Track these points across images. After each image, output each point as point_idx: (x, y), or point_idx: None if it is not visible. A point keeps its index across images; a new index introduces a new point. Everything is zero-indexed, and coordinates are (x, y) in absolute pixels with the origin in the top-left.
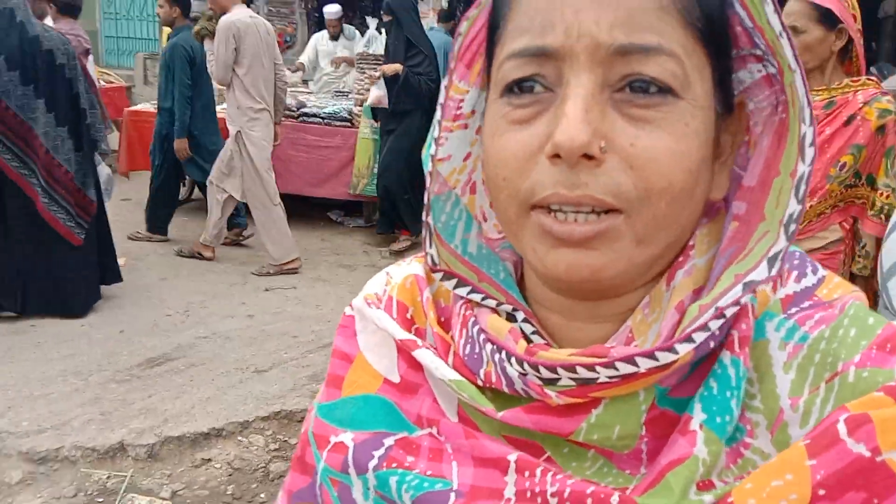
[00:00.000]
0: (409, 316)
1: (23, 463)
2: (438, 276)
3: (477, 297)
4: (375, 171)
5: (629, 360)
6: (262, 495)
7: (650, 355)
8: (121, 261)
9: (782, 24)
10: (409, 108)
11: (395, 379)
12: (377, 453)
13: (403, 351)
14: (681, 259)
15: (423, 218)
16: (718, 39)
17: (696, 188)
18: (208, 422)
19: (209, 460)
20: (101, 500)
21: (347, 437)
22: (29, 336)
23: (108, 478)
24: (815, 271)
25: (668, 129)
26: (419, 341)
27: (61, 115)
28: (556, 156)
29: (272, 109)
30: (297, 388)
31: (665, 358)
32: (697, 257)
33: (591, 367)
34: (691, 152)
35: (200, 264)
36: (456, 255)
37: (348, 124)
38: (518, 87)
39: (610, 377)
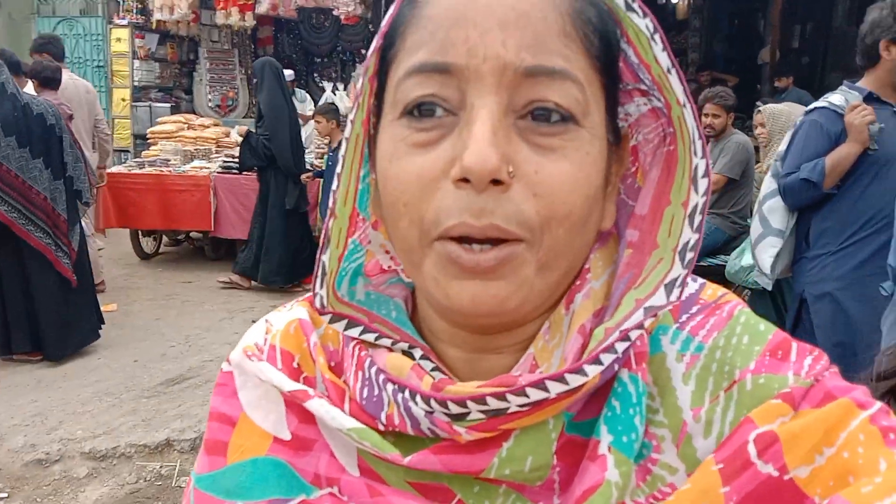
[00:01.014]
0: (295, 365)
1: (86, 461)
2: (327, 318)
3: (370, 337)
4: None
5: (539, 384)
6: None
7: (560, 378)
8: (112, 306)
9: (671, 60)
10: (254, 165)
11: (286, 436)
12: None
13: (293, 404)
14: (578, 283)
15: (318, 255)
16: (612, 71)
17: (591, 215)
18: None
19: None
20: (158, 483)
21: None
22: (53, 371)
23: (161, 467)
24: (694, 279)
25: (570, 157)
26: (310, 391)
27: (56, 171)
28: (464, 180)
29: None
30: None
31: (575, 381)
32: (594, 280)
33: (501, 397)
34: (590, 180)
35: (186, 306)
36: (343, 301)
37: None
38: (418, 111)
39: (521, 405)
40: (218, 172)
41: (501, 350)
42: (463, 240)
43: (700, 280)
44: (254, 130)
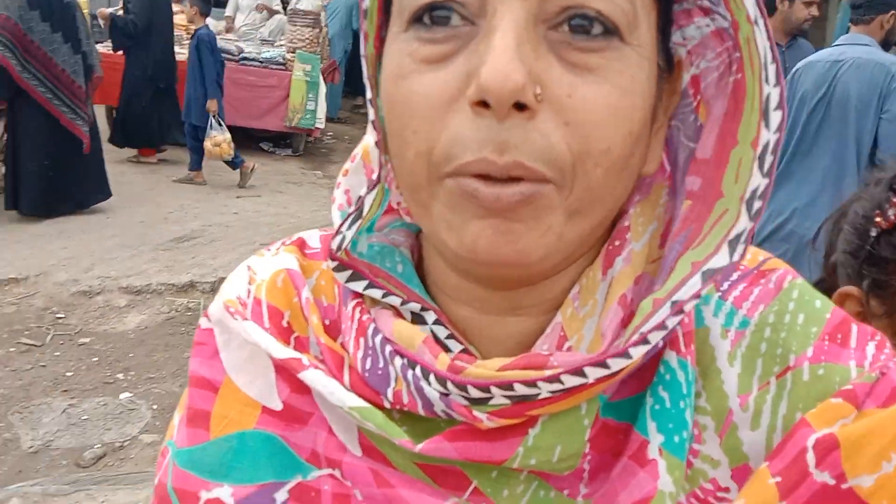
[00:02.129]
0: (285, 323)
1: (124, 294)
2: (330, 264)
3: (376, 294)
4: (309, 107)
5: (577, 371)
6: None
7: (601, 364)
8: None
9: None
10: (128, 45)
11: (276, 405)
12: None
13: (283, 369)
14: (617, 243)
15: (363, 194)
16: None
17: (633, 156)
18: None
19: None
20: (188, 314)
21: (225, 493)
22: (69, 225)
23: (188, 302)
24: None
25: (612, 81)
26: (305, 359)
27: (75, 45)
28: (482, 103)
29: None
30: None
31: (617, 365)
32: (634, 241)
33: (531, 384)
34: (635, 112)
35: (172, 184)
36: (348, 254)
37: (283, 68)
38: (430, 18)
39: (553, 392)
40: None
41: (521, 311)
42: (480, 178)
43: None
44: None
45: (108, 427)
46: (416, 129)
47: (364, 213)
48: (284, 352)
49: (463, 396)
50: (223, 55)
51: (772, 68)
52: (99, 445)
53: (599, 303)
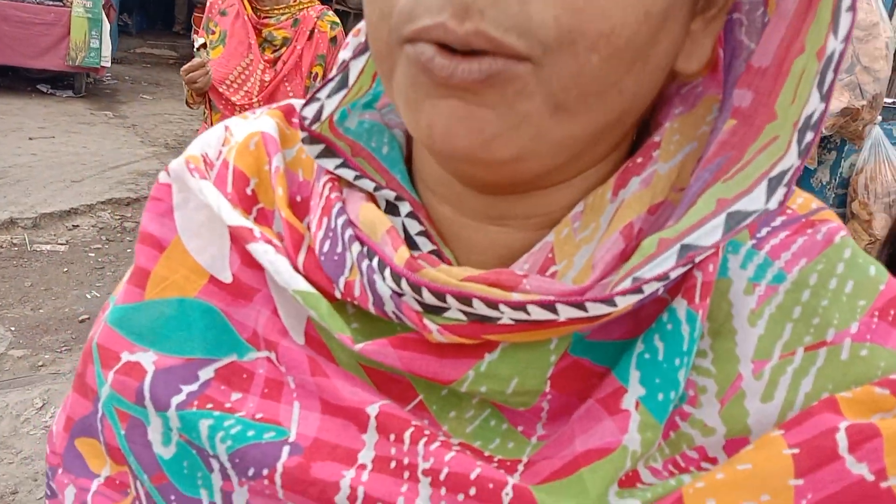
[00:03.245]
0: (249, 191)
1: None
2: (302, 135)
3: (348, 175)
4: (93, 44)
5: (547, 306)
6: (119, 245)
7: (578, 304)
8: None
9: None
10: None
11: (226, 277)
12: (187, 388)
13: (238, 240)
14: (640, 160)
15: (345, 58)
16: None
17: (655, 45)
18: (64, 205)
19: (77, 226)
20: (15, 248)
21: (147, 359)
22: None
23: (12, 238)
24: None
25: None
26: (256, 230)
27: None
28: None
29: None
30: (114, 188)
31: (597, 310)
32: (662, 160)
33: (493, 305)
34: None
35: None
36: (331, 122)
37: (60, 4)
38: None
39: (516, 320)
40: None
41: (506, 222)
42: (438, 47)
43: None
44: None
45: None
46: None
47: (351, 81)
48: (237, 218)
49: (416, 300)
50: None
51: None
52: None
53: (602, 228)
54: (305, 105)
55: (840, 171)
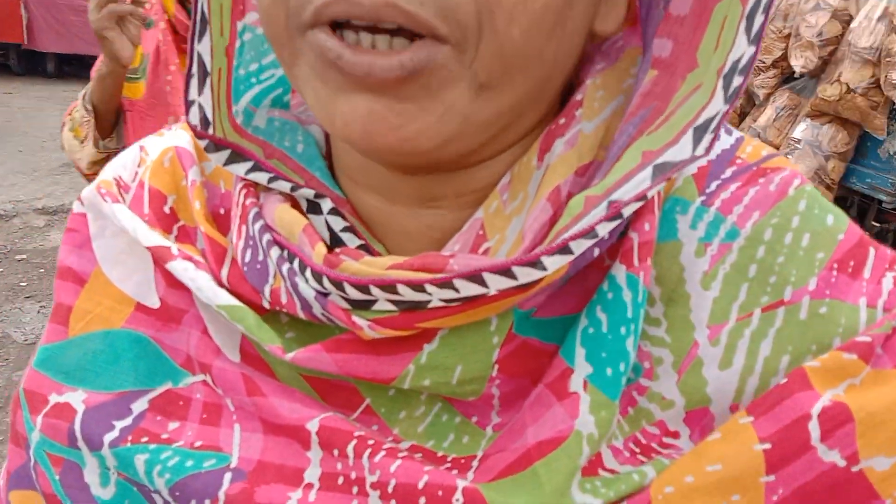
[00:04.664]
0: (167, 209)
1: (40, 215)
2: (203, 143)
3: (262, 178)
4: None
5: (474, 276)
6: None
7: (505, 271)
8: None
9: None
10: None
11: (153, 303)
12: (120, 423)
13: (159, 260)
14: (562, 121)
15: (189, 42)
16: None
17: (571, 8)
18: None
19: None
20: None
21: (76, 398)
22: None
23: None
24: (728, 130)
25: None
26: (174, 248)
27: None
28: None
29: None
30: None
31: (526, 275)
32: (586, 119)
33: (418, 287)
34: None
35: (24, 111)
36: (235, 124)
37: None
38: None
39: (446, 301)
40: None
41: (437, 203)
42: (342, 27)
43: (736, 132)
44: None
45: None
46: None
47: (209, 67)
48: (154, 238)
49: (342, 297)
50: None
51: None
52: None
53: (530, 196)
54: (186, 112)
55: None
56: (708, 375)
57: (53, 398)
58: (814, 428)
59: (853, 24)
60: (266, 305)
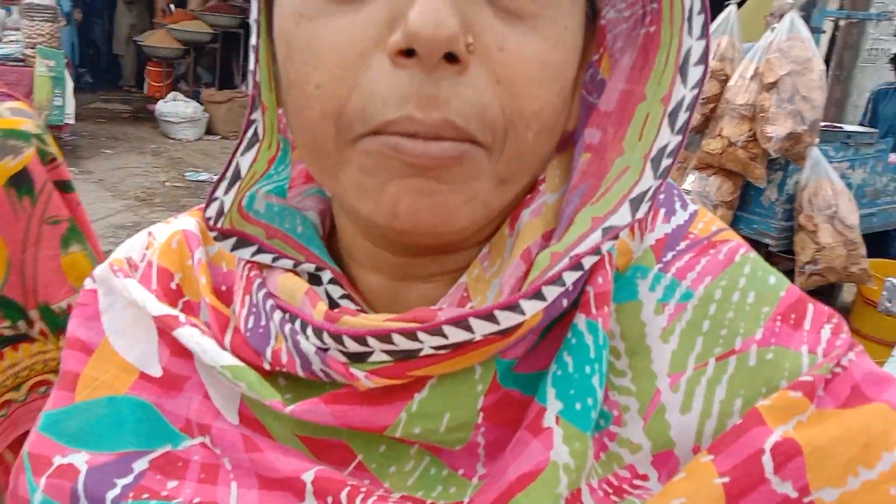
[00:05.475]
0: (174, 286)
1: None
2: (213, 233)
3: (266, 259)
4: (56, 102)
5: (460, 322)
6: None
7: (487, 316)
8: None
9: None
10: None
11: (156, 372)
12: (122, 481)
13: (165, 333)
14: (529, 196)
15: (231, 156)
16: None
17: (562, 114)
18: None
19: None
20: None
21: (79, 459)
22: None
23: None
24: (684, 206)
25: (544, 32)
26: (182, 316)
27: None
28: (407, 52)
29: None
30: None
31: (507, 319)
32: (549, 192)
33: (411, 335)
34: (567, 67)
35: None
36: (241, 211)
37: (22, 64)
38: None
39: (436, 348)
40: None
41: (433, 277)
42: (404, 136)
43: (693, 207)
44: None
45: None
46: (320, 82)
47: (244, 173)
48: (162, 308)
49: (341, 351)
50: None
51: (698, 20)
52: None
53: (506, 260)
54: (207, 206)
55: (786, 189)
56: (671, 420)
57: (57, 460)
58: (767, 461)
59: (730, 84)
60: (267, 367)
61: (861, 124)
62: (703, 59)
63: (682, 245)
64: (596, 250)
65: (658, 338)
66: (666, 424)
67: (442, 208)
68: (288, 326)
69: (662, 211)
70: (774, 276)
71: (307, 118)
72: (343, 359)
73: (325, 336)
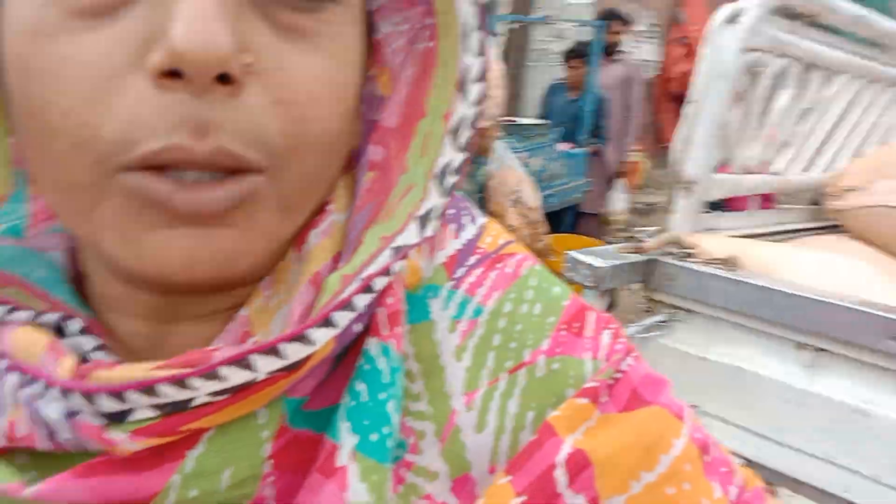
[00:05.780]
0: None
1: None
2: None
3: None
4: None
5: (240, 361)
6: None
7: (271, 350)
8: None
9: None
10: None
11: None
12: None
13: None
14: (315, 218)
15: None
16: None
17: (345, 134)
18: None
19: None
20: None
21: None
22: None
23: None
24: (473, 219)
25: (325, 49)
26: None
27: None
28: (173, 73)
29: None
30: None
31: (295, 353)
32: (337, 212)
33: (180, 383)
34: (349, 85)
35: None
36: None
37: None
38: None
39: (213, 393)
40: None
41: (204, 316)
42: (167, 168)
43: (481, 220)
44: None
45: None
46: (67, 110)
47: None
48: None
49: (96, 413)
50: None
51: (475, 37)
52: None
53: (292, 285)
54: None
55: (478, 180)
56: (466, 440)
57: None
58: (560, 476)
59: None
60: (3, 443)
61: (537, 117)
62: (482, 75)
63: (472, 260)
64: (386, 270)
65: (452, 356)
66: (461, 446)
67: (223, 254)
68: (25, 392)
69: (453, 227)
70: (559, 287)
71: (53, 150)
72: (98, 421)
73: (76, 397)
